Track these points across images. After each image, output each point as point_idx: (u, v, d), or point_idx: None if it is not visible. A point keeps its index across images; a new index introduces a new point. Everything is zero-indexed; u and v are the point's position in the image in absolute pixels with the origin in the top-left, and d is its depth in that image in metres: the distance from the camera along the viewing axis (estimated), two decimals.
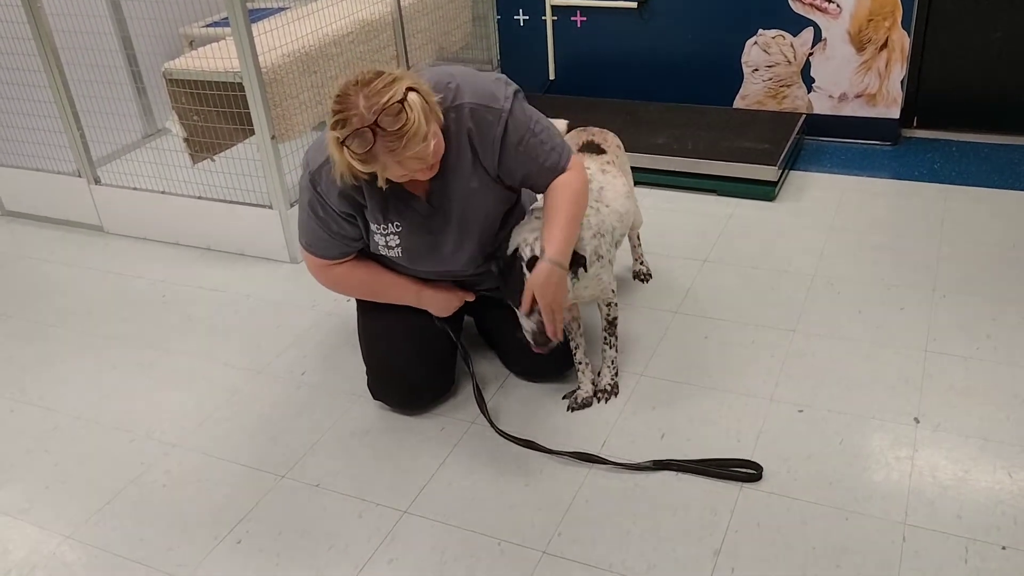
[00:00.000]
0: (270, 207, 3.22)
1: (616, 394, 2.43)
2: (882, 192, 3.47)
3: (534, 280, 2.07)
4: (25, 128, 3.65)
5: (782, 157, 3.45)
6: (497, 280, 2.23)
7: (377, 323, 2.40)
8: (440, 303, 2.38)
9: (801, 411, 2.35)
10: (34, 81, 3.48)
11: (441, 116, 1.97)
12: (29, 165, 3.72)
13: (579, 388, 2.44)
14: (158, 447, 2.43)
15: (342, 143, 1.85)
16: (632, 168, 3.58)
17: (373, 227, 2.18)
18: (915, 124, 3.88)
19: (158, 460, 2.38)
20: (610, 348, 2.44)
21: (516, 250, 2.16)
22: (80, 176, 3.58)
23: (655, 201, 3.53)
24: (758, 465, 2.16)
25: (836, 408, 2.34)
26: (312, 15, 3.39)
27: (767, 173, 3.40)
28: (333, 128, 1.87)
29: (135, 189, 3.50)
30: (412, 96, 1.84)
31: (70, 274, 3.40)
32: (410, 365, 2.39)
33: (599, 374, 2.46)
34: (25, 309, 3.17)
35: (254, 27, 3.00)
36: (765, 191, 3.44)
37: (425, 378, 2.42)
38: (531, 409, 2.43)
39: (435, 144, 1.93)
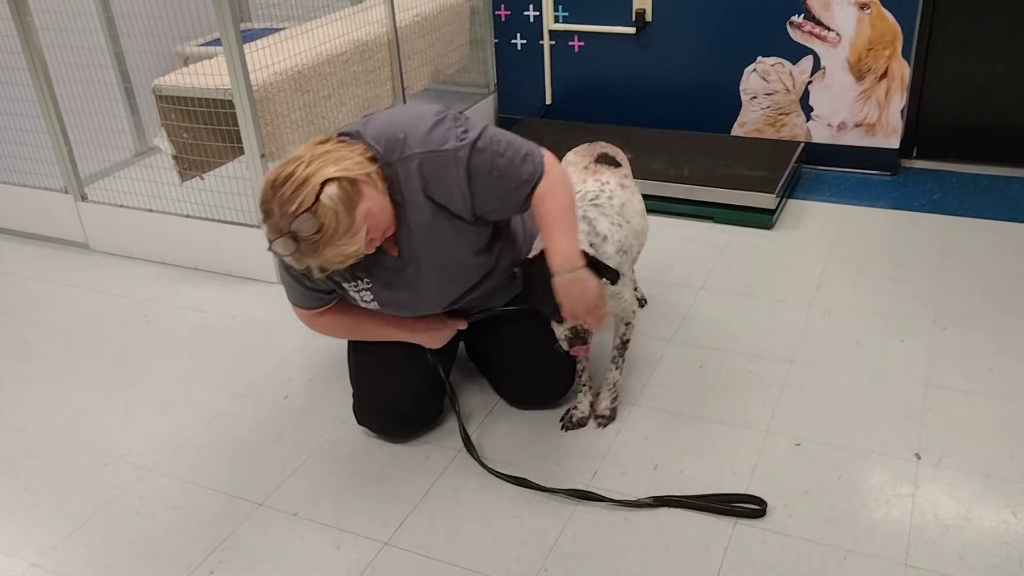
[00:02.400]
0: (258, 227, 3.15)
1: (613, 419, 2.36)
2: (881, 222, 3.42)
3: (561, 297, 1.98)
4: (13, 143, 3.59)
5: (780, 185, 3.40)
6: (523, 286, 2.13)
7: (367, 346, 2.33)
8: (432, 336, 2.30)
9: (798, 444, 2.27)
10: (23, 95, 3.43)
11: (380, 182, 1.89)
12: (16, 181, 3.66)
13: (576, 407, 2.37)
14: (133, 471, 2.34)
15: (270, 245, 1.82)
16: None
17: (345, 285, 2.14)
18: (915, 154, 3.84)
19: (132, 485, 2.29)
20: (615, 370, 2.38)
21: (542, 252, 2.01)
22: (67, 193, 3.52)
23: (652, 227, 3.46)
24: (761, 500, 2.08)
25: (834, 442, 2.27)
26: (306, 33, 3.35)
27: (765, 201, 3.35)
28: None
29: (122, 207, 3.44)
30: (328, 192, 1.77)
31: (53, 292, 3.33)
32: (397, 390, 2.31)
33: (598, 396, 2.40)
34: (5, 327, 3.09)
35: (248, 46, 2.96)
36: (763, 219, 3.38)
37: (413, 404, 2.34)
38: (520, 438, 2.35)
39: (371, 222, 1.86)
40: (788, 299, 2.92)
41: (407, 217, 2.01)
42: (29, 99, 3.40)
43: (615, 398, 2.39)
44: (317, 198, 1.76)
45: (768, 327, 2.78)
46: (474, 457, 2.27)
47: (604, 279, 2.04)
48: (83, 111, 3.59)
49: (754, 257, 3.22)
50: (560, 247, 1.97)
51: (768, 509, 2.06)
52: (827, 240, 3.29)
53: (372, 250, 1.95)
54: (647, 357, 2.62)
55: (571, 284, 1.96)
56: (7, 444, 2.48)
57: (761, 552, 1.95)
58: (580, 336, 2.08)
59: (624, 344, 2.37)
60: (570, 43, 4.08)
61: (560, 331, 2.10)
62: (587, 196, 2.30)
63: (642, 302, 2.84)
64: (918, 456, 2.20)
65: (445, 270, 2.12)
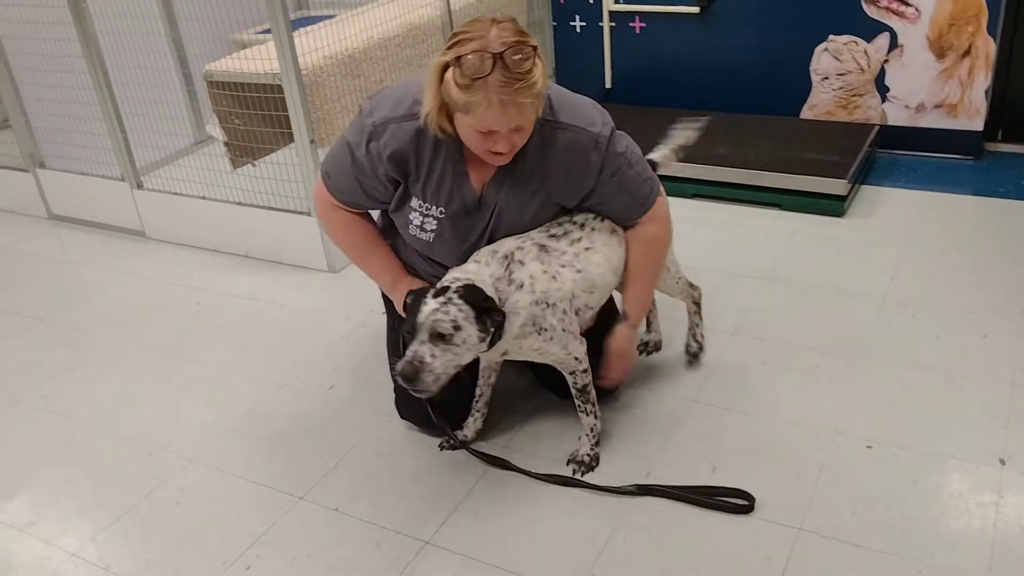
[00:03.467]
0: (309, 214, 3.10)
1: (594, 467, 2.12)
2: (963, 209, 3.20)
3: (616, 345, 2.10)
4: (72, 131, 3.62)
5: (853, 170, 3.21)
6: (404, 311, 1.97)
7: (406, 344, 2.23)
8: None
9: (870, 447, 2.11)
10: (80, 83, 3.44)
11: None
12: (75, 169, 3.69)
13: (460, 429, 2.26)
14: (175, 461, 2.30)
15: (455, 61, 1.71)
16: (690, 180, 3.41)
17: (414, 202, 2.02)
18: (1000, 137, 3.59)
19: (173, 475, 2.25)
20: (587, 415, 2.13)
21: (446, 288, 1.84)
22: (123, 181, 3.53)
23: (713, 215, 3.32)
24: (750, 496, 1.96)
25: (909, 445, 2.10)
26: (358, 16, 3.28)
27: (836, 187, 3.16)
28: (447, 50, 1.74)
29: (176, 194, 3.43)
30: (538, 60, 1.76)
31: (108, 279, 3.33)
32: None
33: (579, 439, 2.16)
34: (60, 314, 3.11)
35: (298, 30, 2.90)
36: (833, 206, 3.20)
37: (453, 400, 2.24)
38: (569, 435, 2.23)
39: (527, 125, 1.82)
40: (859, 291, 2.74)
41: (517, 168, 1.95)
42: (85, 87, 3.41)
43: (595, 442, 2.14)
44: (536, 51, 1.74)
45: (837, 320, 2.61)
46: (473, 453, 2.20)
47: (485, 324, 1.84)
48: (141, 99, 3.59)
49: (823, 246, 3.03)
50: (640, 300, 2.12)
51: (835, 516, 1.91)
52: (903, 228, 3.09)
53: (497, 159, 1.88)
54: (707, 351, 2.48)
55: (630, 337, 2.11)
56: (53, 431, 2.47)
57: (828, 563, 1.81)
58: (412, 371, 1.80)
59: (581, 391, 2.10)
60: (631, 24, 3.93)
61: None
62: (561, 222, 2.06)
63: (695, 353, 2.47)
64: (1002, 461, 2.02)
65: (504, 231, 2.04)
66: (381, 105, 1.96)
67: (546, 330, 1.96)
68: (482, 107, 1.73)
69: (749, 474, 2.06)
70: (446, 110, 1.82)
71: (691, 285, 2.40)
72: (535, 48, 1.75)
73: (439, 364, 1.79)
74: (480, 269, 1.93)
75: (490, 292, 1.87)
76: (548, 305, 1.96)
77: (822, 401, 2.28)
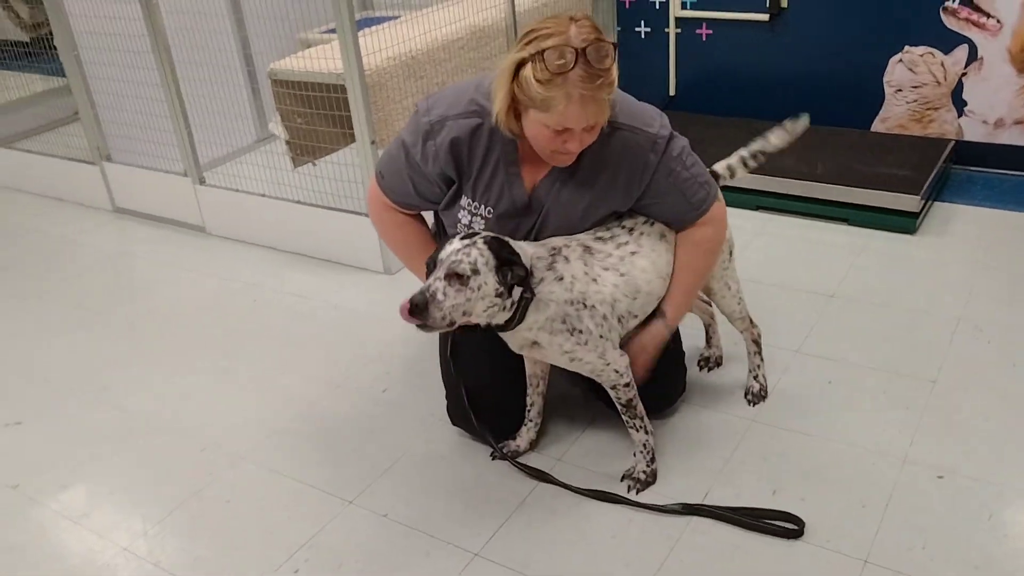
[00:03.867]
0: (367, 215, 3.08)
1: (651, 484, 2.07)
2: None
3: (645, 338, 2.04)
4: (138, 126, 3.67)
5: (926, 186, 3.09)
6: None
7: (457, 347, 2.20)
8: None
9: (941, 477, 2.01)
10: (147, 79, 3.49)
11: None
12: (140, 163, 3.74)
13: (513, 438, 2.22)
14: (226, 459, 2.30)
15: (535, 56, 1.68)
16: (754, 191, 3.32)
17: (464, 201, 2.00)
18: None
19: (224, 473, 2.25)
20: (636, 431, 2.06)
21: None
22: (186, 176, 3.56)
23: (777, 228, 3.23)
24: (799, 520, 1.89)
25: (984, 476, 2.00)
26: (422, 17, 3.27)
27: (908, 203, 3.05)
28: (524, 46, 1.71)
29: (237, 191, 3.45)
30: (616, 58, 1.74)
31: (167, 274, 3.37)
32: (491, 392, 2.18)
33: (634, 455, 2.10)
34: (120, 307, 3.14)
35: (362, 30, 2.90)
36: (905, 223, 3.08)
37: (505, 409, 2.21)
38: (627, 447, 2.17)
39: (601, 124, 1.80)
40: (932, 311, 2.63)
41: (571, 167, 1.92)
42: (153, 83, 3.46)
43: (650, 460, 2.07)
44: (616, 48, 1.73)
45: (908, 341, 2.51)
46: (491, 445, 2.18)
47: (505, 277, 1.79)
48: (206, 95, 3.62)
49: (893, 264, 2.93)
50: (680, 299, 2.05)
51: (905, 550, 1.82)
52: (978, 248, 2.96)
53: (563, 160, 1.86)
54: (769, 368, 2.39)
55: (662, 336, 2.05)
56: (112, 424, 2.49)
57: None
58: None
59: (626, 407, 2.03)
60: (697, 31, 3.86)
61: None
62: (609, 226, 2.00)
63: (755, 331, 2.35)
64: None
65: (551, 233, 1.99)
66: (437, 104, 1.94)
67: (580, 332, 1.90)
68: (561, 103, 1.70)
69: (812, 499, 1.98)
70: (515, 109, 1.79)
71: (752, 323, 2.32)
72: (615, 45, 1.72)
73: (449, 303, 1.75)
74: (520, 242, 1.90)
75: (523, 261, 1.83)
76: (585, 306, 1.90)
77: (891, 427, 2.18)
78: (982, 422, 2.17)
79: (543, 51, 1.67)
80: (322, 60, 2.97)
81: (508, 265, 1.80)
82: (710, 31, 3.83)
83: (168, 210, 3.73)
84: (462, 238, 1.80)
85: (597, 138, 1.85)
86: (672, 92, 3.99)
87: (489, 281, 1.78)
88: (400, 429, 2.35)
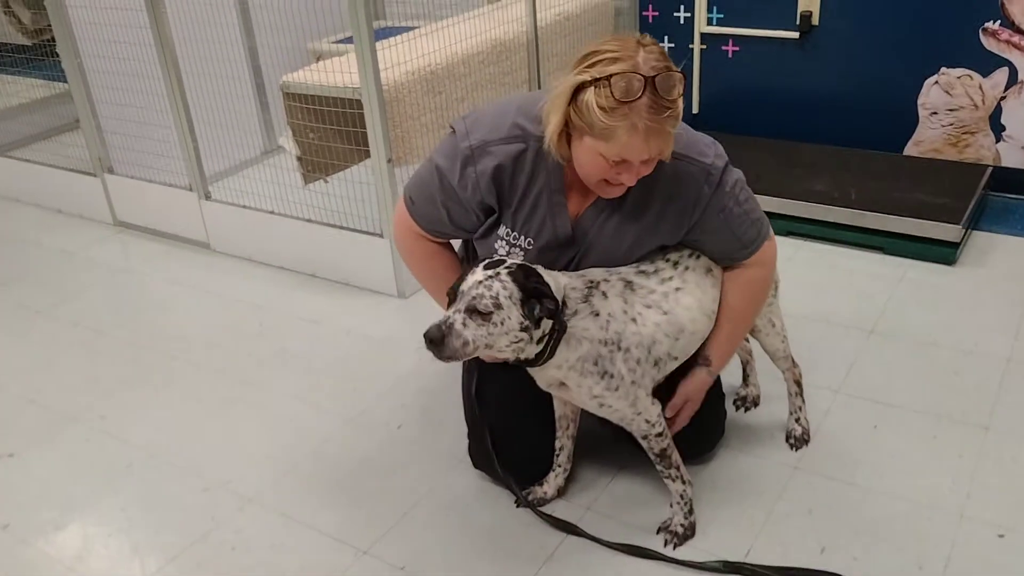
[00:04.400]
0: (381, 235, 2.95)
1: (689, 537, 1.92)
2: None
3: (690, 388, 1.93)
4: (141, 137, 3.53)
5: (967, 215, 2.96)
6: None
7: (483, 385, 2.06)
8: None
9: (1002, 536, 1.87)
10: (153, 89, 3.35)
11: None
12: (142, 176, 3.60)
13: (540, 484, 2.09)
14: (233, 500, 2.15)
15: (599, 81, 1.55)
16: (785, 216, 3.19)
17: (502, 230, 1.85)
18: None
19: (231, 516, 2.10)
20: (672, 481, 1.92)
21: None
22: (191, 190, 3.42)
23: (810, 255, 3.10)
24: None
25: None
26: (441, 31, 3.13)
27: (948, 232, 2.91)
28: (586, 68, 1.58)
29: (244, 207, 3.31)
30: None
31: (171, 292, 3.22)
32: (517, 437, 2.04)
33: (671, 506, 1.96)
34: (121, 327, 3.00)
35: (379, 43, 2.76)
36: (944, 253, 2.95)
37: (533, 453, 2.06)
38: (662, 496, 2.03)
39: (661, 157, 1.66)
40: (978, 350, 2.49)
41: (626, 199, 1.79)
42: (158, 93, 3.32)
43: (688, 511, 1.93)
44: (683, 80, 1.60)
45: (955, 383, 2.37)
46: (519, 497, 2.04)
47: (531, 311, 1.66)
48: (213, 107, 3.49)
49: (934, 297, 2.79)
50: (725, 345, 1.94)
51: None
52: (1023, 281, 2.82)
53: (615, 191, 1.73)
54: (810, 409, 2.25)
55: (705, 384, 1.95)
56: (110, 457, 2.35)
57: None
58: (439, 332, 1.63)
59: (660, 456, 1.89)
60: (723, 47, 3.73)
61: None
62: (653, 259, 1.87)
63: (797, 370, 2.21)
64: None
65: (591, 265, 1.86)
66: (478, 127, 1.80)
67: (612, 377, 1.76)
68: (624, 135, 1.56)
69: (864, 559, 1.84)
70: (566, 133, 1.65)
71: (793, 362, 2.18)
72: (683, 75, 1.59)
73: (469, 334, 1.62)
74: (552, 271, 1.76)
75: (555, 292, 1.69)
76: (620, 348, 1.76)
77: (944, 478, 2.04)
78: None
79: (609, 76, 1.54)
80: (337, 74, 2.83)
81: (536, 297, 1.66)
82: (736, 48, 3.70)
83: (171, 225, 3.59)
84: (485, 267, 1.67)
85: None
86: (696, 110, 3.86)
87: (513, 316, 1.64)
88: (418, 470, 2.20)
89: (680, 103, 1.60)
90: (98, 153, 3.68)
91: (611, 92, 1.54)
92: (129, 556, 2.01)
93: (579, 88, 1.58)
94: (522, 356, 1.71)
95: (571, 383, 1.78)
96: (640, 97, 1.54)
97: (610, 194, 1.74)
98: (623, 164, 1.63)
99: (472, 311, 1.62)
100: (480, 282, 1.64)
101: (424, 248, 1.98)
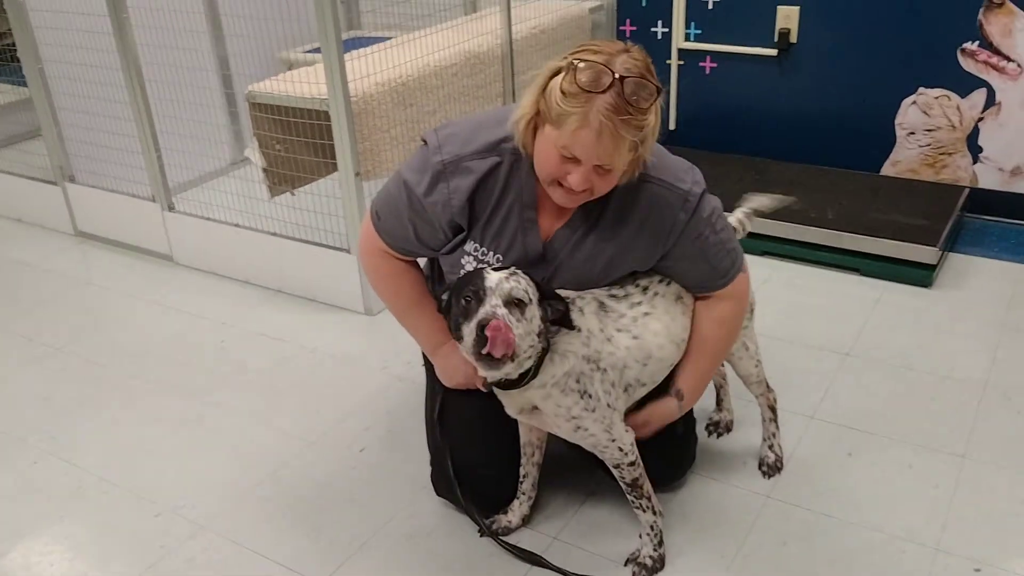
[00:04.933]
0: (348, 251, 2.88)
1: (658, 570, 1.85)
2: None
3: (655, 412, 1.86)
4: (103, 146, 3.43)
5: (944, 236, 2.92)
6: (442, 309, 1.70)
7: (446, 410, 1.98)
8: (450, 370, 1.92)
9: (978, 570, 1.82)
10: (116, 96, 3.26)
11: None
12: (106, 186, 3.50)
13: (504, 513, 2.00)
14: (185, 527, 2.06)
15: (570, 66, 1.51)
16: (760, 236, 3.14)
17: (469, 246, 1.78)
18: None
19: (182, 544, 2.01)
20: (643, 511, 1.84)
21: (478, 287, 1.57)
22: (154, 201, 3.33)
23: (785, 276, 3.05)
24: None
25: None
26: (414, 41, 3.07)
27: (925, 254, 2.88)
28: (568, 55, 1.54)
29: (208, 219, 3.22)
30: (656, 106, 1.57)
31: (131, 307, 3.12)
32: (481, 464, 1.97)
33: (640, 537, 1.88)
34: (78, 342, 2.90)
35: (349, 53, 2.69)
36: (921, 275, 2.91)
37: (498, 481, 1.99)
38: (632, 525, 1.96)
39: (614, 171, 1.59)
40: (955, 376, 2.45)
41: (591, 219, 1.74)
42: (122, 101, 3.23)
43: (657, 544, 1.86)
44: (658, 95, 1.55)
45: (931, 410, 2.32)
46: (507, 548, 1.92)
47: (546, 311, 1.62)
48: (179, 116, 3.40)
49: (910, 320, 2.75)
50: (696, 379, 1.88)
51: None
52: (999, 305, 2.79)
53: (572, 202, 1.67)
54: (783, 435, 2.20)
55: (672, 413, 1.88)
56: (59, 480, 2.25)
57: None
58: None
59: (631, 486, 1.81)
60: (701, 64, 3.69)
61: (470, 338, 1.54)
62: (623, 284, 1.81)
63: (771, 395, 2.15)
64: None
65: (564, 287, 1.79)
66: (450, 140, 1.73)
67: (590, 397, 1.69)
68: (575, 123, 1.51)
69: None
70: (535, 122, 1.60)
71: (768, 387, 2.12)
72: (659, 91, 1.54)
73: (518, 331, 1.52)
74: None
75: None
76: (599, 368, 1.70)
77: (920, 509, 1.99)
78: (1019, 505, 1.98)
79: (582, 62, 1.49)
80: (305, 84, 2.76)
81: (550, 298, 1.63)
82: (714, 64, 3.66)
83: (134, 236, 3.49)
84: (495, 269, 1.60)
85: (625, 190, 1.67)
86: (672, 126, 3.82)
87: (536, 314, 1.59)
88: (379, 497, 2.12)
89: (650, 118, 1.55)
90: (59, 161, 3.58)
91: (575, 78, 1.49)
92: None
93: (554, 73, 1.54)
94: (513, 375, 1.64)
95: (548, 405, 1.71)
96: (603, 92, 1.48)
97: (561, 200, 1.67)
98: (572, 162, 1.57)
99: (511, 302, 1.54)
100: (506, 278, 1.57)
101: (390, 266, 1.90)
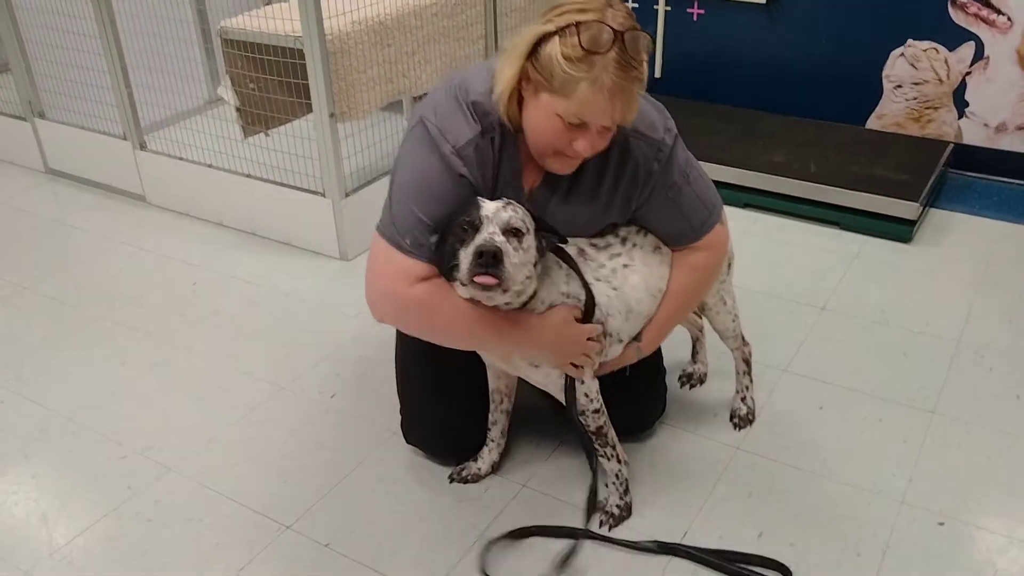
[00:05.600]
0: (323, 195, 2.82)
1: (625, 518, 1.86)
2: None
3: (615, 355, 1.80)
4: (74, 82, 3.34)
5: (925, 192, 2.90)
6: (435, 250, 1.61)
7: (417, 358, 1.96)
8: (567, 342, 1.67)
9: (942, 524, 1.83)
10: (88, 30, 3.16)
11: None
12: (77, 123, 3.41)
13: (473, 460, 1.99)
14: (152, 469, 2.05)
15: (565, 29, 1.45)
16: (743, 188, 3.12)
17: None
18: None
19: (148, 486, 2.00)
20: (608, 460, 1.84)
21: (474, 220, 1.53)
22: (125, 139, 3.25)
23: (766, 229, 3.03)
24: (787, 569, 1.71)
25: (988, 525, 1.82)
26: None
27: (905, 210, 2.86)
28: (550, 20, 1.48)
29: (180, 159, 3.15)
30: None
31: (101, 246, 3.07)
32: (453, 410, 1.95)
33: (607, 486, 1.88)
34: (46, 281, 2.85)
35: None
36: (901, 231, 2.89)
37: (470, 428, 1.98)
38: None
39: (621, 125, 1.57)
40: (929, 331, 2.45)
41: (580, 175, 1.69)
42: (91, 34, 3.13)
43: (623, 493, 1.86)
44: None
45: (904, 365, 2.32)
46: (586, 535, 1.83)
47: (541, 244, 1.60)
48: (153, 51, 3.30)
49: (888, 275, 2.74)
50: (660, 326, 1.83)
51: None
52: (978, 262, 2.78)
53: (566, 167, 1.63)
54: (756, 388, 2.19)
55: (629, 358, 1.82)
56: (24, 420, 2.22)
57: None
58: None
59: (597, 434, 1.80)
60: (688, 10, 3.61)
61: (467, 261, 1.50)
62: (603, 233, 1.79)
63: (746, 349, 2.15)
64: None
65: None
66: (447, 124, 1.59)
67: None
68: (587, 89, 1.46)
69: (802, 545, 1.79)
70: (519, 93, 1.54)
71: (744, 340, 2.11)
72: (651, 39, 1.50)
73: (516, 260, 1.50)
74: None
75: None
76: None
77: (888, 462, 2.00)
78: (984, 461, 1.99)
79: (577, 24, 1.43)
80: (279, 21, 2.68)
81: (547, 231, 1.60)
82: (702, 11, 3.59)
83: (105, 175, 3.42)
84: (490, 200, 1.56)
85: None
86: (658, 74, 3.75)
87: (532, 244, 1.57)
88: (349, 443, 2.11)
89: (645, 68, 1.50)
90: (28, 96, 3.48)
91: (579, 41, 1.43)
92: (37, 527, 1.90)
93: (541, 39, 1.47)
94: (513, 304, 1.61)
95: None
96: (609, 50, 1.43)
97: (560, 169, 1.63)
98: (580, 128, 1.52)
99: (509, 231, 1.52)
100: (502, 208, 1.53)
101: (431, 291, 1.60)
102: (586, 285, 1.68)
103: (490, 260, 1.46)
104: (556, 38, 1.46)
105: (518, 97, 1.56)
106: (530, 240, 1.56)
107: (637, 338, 1.83)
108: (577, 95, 1.47)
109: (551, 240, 1.61)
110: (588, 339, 1.67)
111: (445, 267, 1.57)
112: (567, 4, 1.49)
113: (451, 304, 1.60)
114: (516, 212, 1.55)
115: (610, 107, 1.49)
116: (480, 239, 1.49)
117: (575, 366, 1.69)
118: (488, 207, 1.54)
